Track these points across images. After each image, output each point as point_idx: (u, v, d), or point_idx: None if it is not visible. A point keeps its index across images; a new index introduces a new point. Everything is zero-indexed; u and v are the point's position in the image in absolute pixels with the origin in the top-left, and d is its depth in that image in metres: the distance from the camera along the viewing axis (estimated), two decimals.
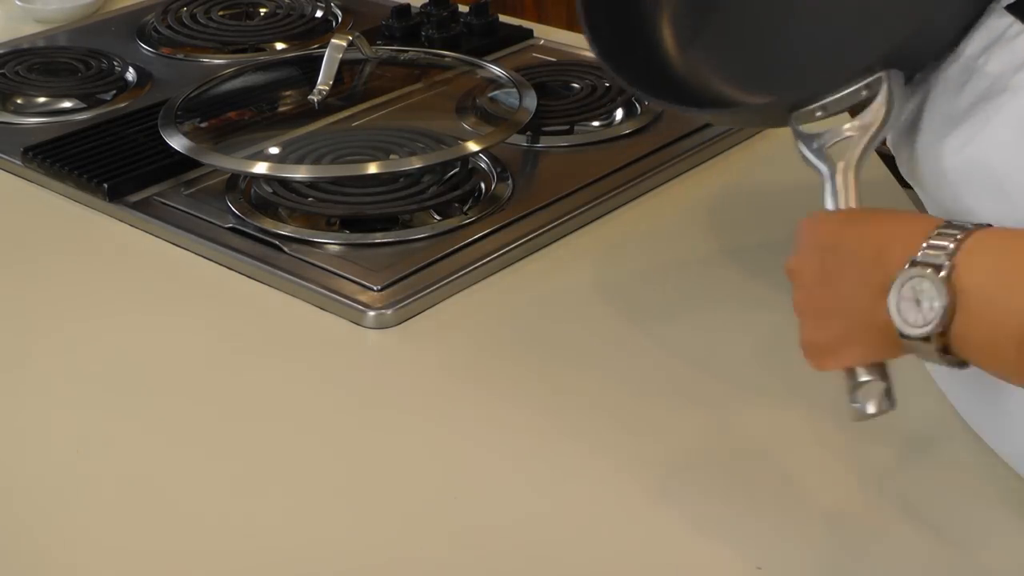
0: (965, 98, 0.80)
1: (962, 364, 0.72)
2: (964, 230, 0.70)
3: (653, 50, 0.98)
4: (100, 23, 1.61)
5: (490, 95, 1.33)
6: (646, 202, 1.21)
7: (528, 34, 1.53)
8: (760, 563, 0.80)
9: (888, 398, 0.75)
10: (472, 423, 0.94)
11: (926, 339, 0.70)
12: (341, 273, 1.08)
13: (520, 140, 1.27)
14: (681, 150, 1.26)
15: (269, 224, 1.14)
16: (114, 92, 1.40)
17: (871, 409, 0.76)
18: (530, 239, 1.13)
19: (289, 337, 1.04)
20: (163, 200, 1.19)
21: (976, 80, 0.80)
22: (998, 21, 0.80)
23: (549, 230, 1.15)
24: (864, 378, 0.75)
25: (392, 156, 1.20)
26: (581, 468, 0.89)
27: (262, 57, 1.48)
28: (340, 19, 1.60)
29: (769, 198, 1.20)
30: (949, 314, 0.69)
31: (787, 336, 0.80)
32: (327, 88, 1.31)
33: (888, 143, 0.89)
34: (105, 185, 1.19)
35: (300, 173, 1.18)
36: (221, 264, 1.12)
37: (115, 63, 1.45)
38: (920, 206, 0.96)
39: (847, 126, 0.81)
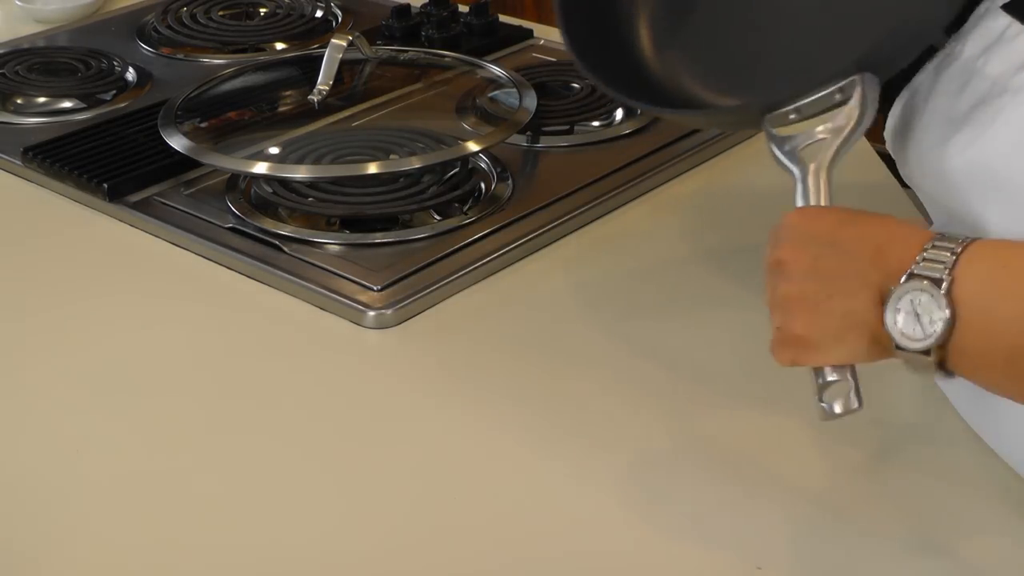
0: (965, 100, 0.80)
1: (949, 375, 0.72)
2: (959, 242, 0.71)
3: (629, 50, 0.98)
4: (100, 23, 1.61)
5: (490, 95, 1.33)
6: (646, 202, 1.21)
7: (528, 34, 1.53)
8: (760, 563, 0.80)
9: (855, 397, 0.76)
10: (472, 423, 0.94)
11: (924, 352, 0.70)
12: (341, 273, 1.08)
13: (520, 140, 1.27)
14: (681, 150, 1.26)
15: (269, 224, 1.14)
16: (114, 92, 1.40)
17: (838, 409, 0.76)
18: (530, 239, 1.13)
19: (289, 337, 1.04)
20: (163, 200, 1.20)
21: (976, 82, 0.80)
22: (996, 22, 0.80)
23: (549, 230, 1.15)
24: (832, 377, 0.76)
25: (392, 156, 1.20)
26: (581, 468, 0.89)
27: (262, 57, 1.48)
28: (340, 19, 1.60)
29: (769, 198, 1.19)
30: (950, 328, 0.69)
31: None
32: (327, 88, 1.31)
33: (887, 146, 0.89)
34: (105, 185, 1.19)
35: (300, 173, 1.18)
36: (221, 264, 1.12)
37: (115, 63, 1.45)
38: (920, 207, 0.96)
39: (820, 128, 0.81)
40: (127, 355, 1.02)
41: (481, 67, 1.37)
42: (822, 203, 0.79)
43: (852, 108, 0.80)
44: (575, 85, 1.36)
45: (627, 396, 0.96)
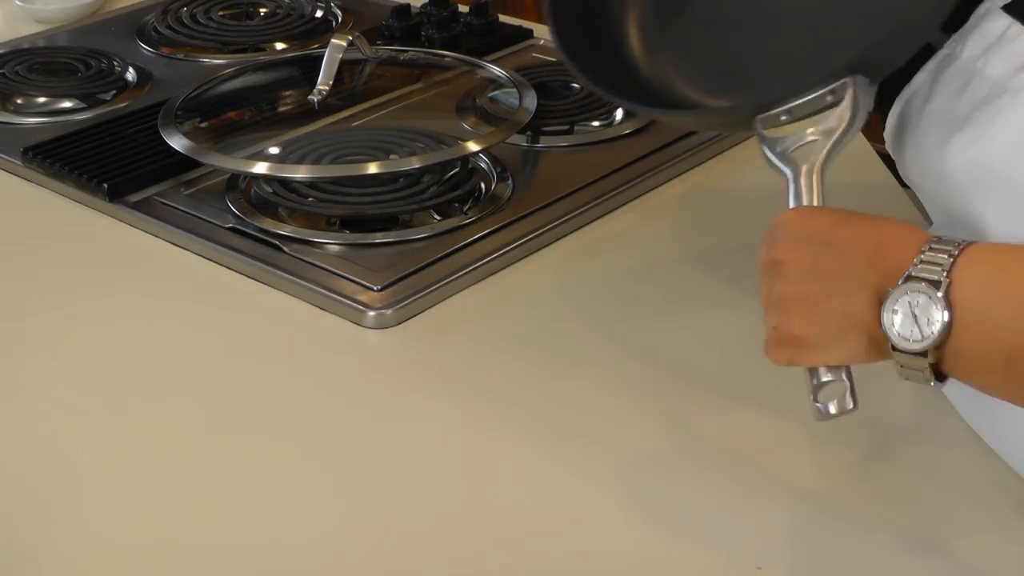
0: (966, 101, 0.80)
1: (942, 380, 0.72)
2: (957, 245, 0.71)
3: (619, 50, 0.98)
4: (100, 23, 1.61)
5: (490, 95, 1.33)
6: (646, 202, 1.21)
7: (528, 34, 1.53)
8: (760, 563, 0.80)
9: (851, 398, 0.76)
10: (472, 423, 0.94)
11: (921, 354, 0.71)
12: (341, 273, 1.08)
13: (520, 140, 1.27)
14: (681, 150, 1.26)
15: (269, 224, 1.14)
16: (114, 92, 1.40)
17: (833, 409, 0.76)
18: (530, 239, 1.13)
19: (289, 337, 1.04)
20: (163, 200, 1.20)
21: (976, 83, 0.80)
22: (997, 22, 0.80)
23: (549, 230, 1.15)
24: (826, 378, 0.76)
25: (392, 156, 1.20)
26: (581, 467, 0.89)
27: (262, 57, 1.48)
28: (340, 19, 1.60)
29: (769, 198, 1.19)
30: (947, 330, 0.69)
31: None
32: (327, 88, 1.31)
33: (887, 146, 0.89)
34: (105, 185, 1.20)
35: (300, 173, 1.18)
36: (221, 264, 1.12)
37: (115, 63, 1.45)
38: (920, 207, 0.96)
39: (811, 130, 0.81)
40: (127, 355, 1.02)
41: (481, 67, 1.37)
42: (815, 204, 0.79)
43: (844, 110, 0.80)
44: (575, 85, 1.35)
45: (627, 396, 0.96)
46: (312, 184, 1.17)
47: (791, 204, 0.80)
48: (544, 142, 1.28)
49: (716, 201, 1.22)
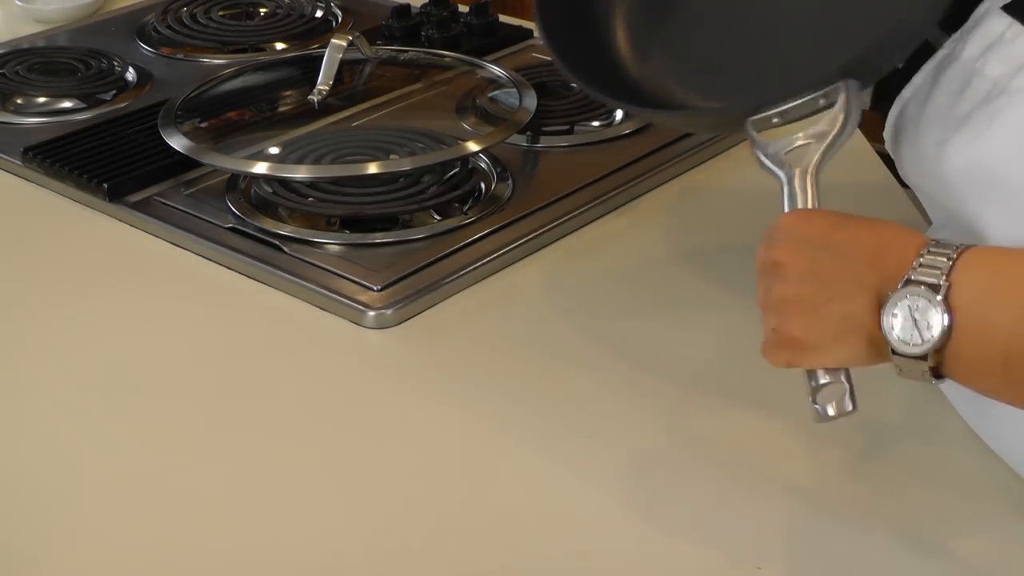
0: (965, 101, 0.80)
1: (940, 380, 0.72)
2: (955, 248, 0.71)
3: (607, 52, 0.98)
4: (100, 23, 1.61)
5: (490, 95, 1.33)
6: (646, 202, 1.21)
7: (528, 34, 1.53)
8: (760, 563, 0.80)
9: (850, 400, 0.76)
10: (471, 423, 0.94)
11: (921, 358, 0.71)
12: (341, 273, 1.08)
13: (520, 140, 1.27)
14: (681, 150, 1.26)
15: (269, 224, 1.14)
16: (114, 92, 1.40)
17: (831, 411, 0.76)
18: (530, 239, 1.13)
19: (289, 337, 1.04)
20: (163, 200, 1.20)
21: (976, 83, 0.80)
22: (996, 22, 0.80)
23: (549, 230, 1.15)
24: (825, 380, 0.76)
25: (392, 156, 1.20)
26: (581, 468, 0.89)
27: (262, 57, 1.48)
28: (340, 19, 1.60)
29: (770, 198, 1.19)
30: (947, 334, 0.69)
31: None
32: (327, 88, 1.31)
33: (887, 145, 0.89)
34: (105, 185, 1.19)
35: (300, 173, 1.18)
36: (221, 264, 1.12)
37: (115, 63, 1.45)
38: (920, 207, 0.96)
39: (802, 133, 0.81)
40: (127, 355, 1.02)
41: (481, 67, 1.37)
42: (811, 207, 0.79)
43: (836, 113, 0.80)
44: (575, 85, 1.35)
45: (627, 396, 0.96)
46: (312, 184, 1.17)
47: (786, 207, 0.80)
48: (544, 142, 1.28)
49: (716, 201, 1.22)
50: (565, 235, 1.15)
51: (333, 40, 1.32)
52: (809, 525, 0.84)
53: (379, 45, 1.42)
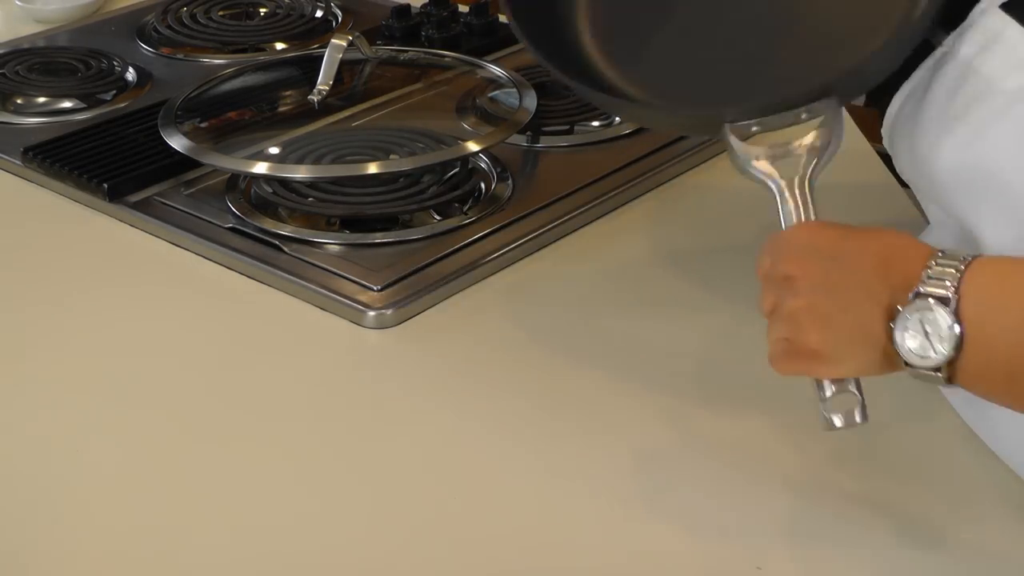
0: (961, 99, 0.80)
1: (949, 386, 0.73)
2: (963, 259, 0.71)
3: (577, 44, 0.96)
4: (100, 23, 1.61)
5: (490, 95, 1.33)
6: (646, 202, 1.21)
7: None
8: (760, 563, 0.81)
9: (860, 412, 0.76)
10: (472, 422, 0.94)
11: (934, 370, 0.71)
12: (341, 273, 1.08)
13: (520, 140, 1.27)
14: (681, 150, 1.26)
15: (269, 224, 1.14)
16: (114, 92, 1.40)
17: (838, 423, 0.77)
18: (530, 239, 1.13)
19: (289, 337, 1.04)
20: (163, 200, 1.20)
21: (972, 81, 0.80)
22: (994, 21, 0.80)
23: (549, 230, 1.15)
24: (831, 390, 0.76)
25: (392, 156, 1.20)
26: (581, 467, 0.89)
27: (262, 57, 1.48)
28: (340, 19, 1.60)
29: (770, 198, 1.20)
30: (960, 346, 0.69)
31: None
32: (327, 88, 1.31)
33: (884, 142, 0.89)
34: (105, 185, 1.19)
35: (300, 173, 1.18)
36: (221, 264, 1.12)
37: (115, 63, 1.45)
38: (919, 206, 0.96)
39: (792, 144, 0.81)
40: (126, 354, 1.02)
41: (481, 67, 1.37)
42: (811, 217, 0.79)
43: (825, 127, 0.81)
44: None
45: (628, 395, 0.96)
46: (312, 184, 1.17)
47: (783, 219, 0.80)
48: (544, 142, 1.28)
49: (716, 200, 1.22)
50: (565, 235, 1.15)
51: (333, 40, 1.32)
52: (809, 525, 0.84)
53: (379, 45, 1.42)
